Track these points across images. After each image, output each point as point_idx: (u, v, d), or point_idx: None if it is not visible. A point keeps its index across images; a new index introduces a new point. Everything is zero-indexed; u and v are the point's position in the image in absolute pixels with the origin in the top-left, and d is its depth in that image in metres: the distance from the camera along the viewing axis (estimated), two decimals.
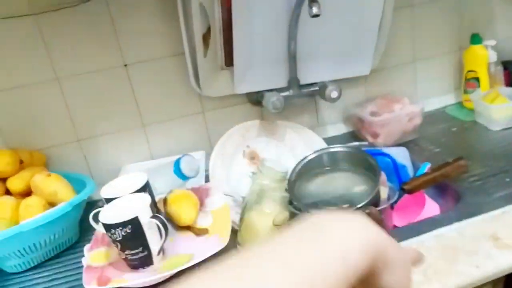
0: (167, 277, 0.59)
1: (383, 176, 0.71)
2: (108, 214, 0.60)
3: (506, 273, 0.56)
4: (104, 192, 0.66)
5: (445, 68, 1.09)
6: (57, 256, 0.75)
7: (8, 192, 0.77)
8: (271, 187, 0.70)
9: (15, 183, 0.75)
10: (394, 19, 0.93)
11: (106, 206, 0.63)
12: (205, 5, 0.80)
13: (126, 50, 0.87)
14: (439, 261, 0.57)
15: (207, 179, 0.84)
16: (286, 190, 0.72)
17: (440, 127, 1.00)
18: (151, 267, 0.62)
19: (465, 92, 1.05)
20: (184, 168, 0.79)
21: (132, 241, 0.59)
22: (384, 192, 0.71)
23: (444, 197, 0.79)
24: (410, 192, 0.73)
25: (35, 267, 0.73)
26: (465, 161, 0.76)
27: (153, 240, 0.61)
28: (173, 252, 0.64)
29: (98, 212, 0.65)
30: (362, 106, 0.98)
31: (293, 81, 0.91)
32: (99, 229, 0.68)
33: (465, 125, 0.99)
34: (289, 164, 0.78)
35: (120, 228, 0.58)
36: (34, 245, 0.70)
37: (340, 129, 1.04)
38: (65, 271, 0.72)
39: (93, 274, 0.61)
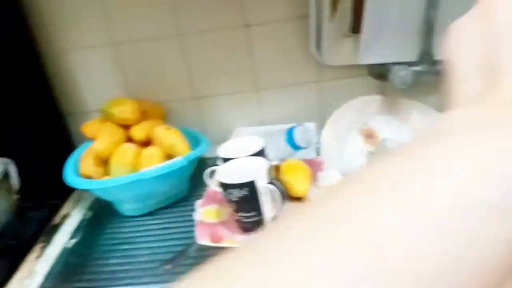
0: None
1: None
2: (226, 174, 0.60)
3: None
4: (222, 152, 0.66)
5: None
6: (168, 207, 0.78)
7: (129, 140, 0.81)
8: None
9: (137, 132, 0.79)
10: None
11: (223, 165, 0.63)
12: None
13: (250, 9, 0.85)
14: None
15: (317, 153, 0.80)
16: None
17: None
18: None
19: None
20: (298, 138, 0.75)
21: (247, 204, 0.58)
22: None
23: None
24: None
25: (148, 214, 0.77)
26: None
27: (267, 206, 0.59)
28: None
29: (213, 170, 0.65)
30: None
31: (426, 56, 0.81)
32: (212, 187, 0.68)
33: None
34: None
35: (238, 189, 0.57)
36: (151, 192, 0.74)
37: None
38: (175, 221, 0.74)
39: (206, 230, 0.62)
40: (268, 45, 0.88)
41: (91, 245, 0.71)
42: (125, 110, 0.78)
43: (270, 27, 0.86)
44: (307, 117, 0.91)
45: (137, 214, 0.76)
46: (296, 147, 0.76)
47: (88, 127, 0.83)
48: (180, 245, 0.67)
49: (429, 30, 0.79)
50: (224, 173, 0.59)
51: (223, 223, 0.64)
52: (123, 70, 0.91)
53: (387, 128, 0.81)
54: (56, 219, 0.78)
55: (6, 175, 0.74)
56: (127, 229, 0.74)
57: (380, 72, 0.86)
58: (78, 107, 0.94)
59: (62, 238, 0.73)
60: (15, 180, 0.74)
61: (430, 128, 0.17)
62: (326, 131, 0.82)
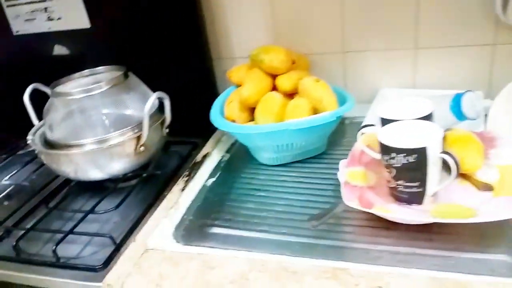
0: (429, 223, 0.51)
1: None
2: (388, 136, 0.54)
3: None
4: (383, 112, 0.60)
5: None
6: (304, 161, 0.76)
7: (273, 89, 0.79)
8: None
9: (284, 82, 0.76)
10: None
11: (385, 127, 0.57)
12: None
13: None
14: None
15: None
16: None
17: None
18: (419, 206, 0.55)
19: None
20: (466, 106, 0.65)
21: (411, 172, 0.52)
22: None
23: None
24: None
25: (284, 165, 0.76)
26: None
27: (433, 179, 0.52)
28: (447, 199, 0.55)
29: (367, 130, 0.60)
30: None
31: None
32: (360, 146, 0.63)
33: None
34: None
35: (404, 154, 0.51)
36: (292, 144, 0.72)
37: None
38: (310, 177, 0.72)
39: (354, 193, 0.58)
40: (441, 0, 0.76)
41: (228, 187, 0.73)
42: (276, 58, 0.76)
43: None
44: (471, 85, 0.79)
45: (273, 163, 0.76)
46: (461, 117, 0.66)
47: (234, 73, 0.83)
48: (315, 201, 0.65)
49: None
50: (387, 135, 0.54)
51: (371, 188, 0.60)
52: (274, 19, 0.88)
53: None
54: (198, 157, 0.82)
55: (161, 108, 0.78)
56: (263, 177, 0.74)
57: None
58: (225, 53, 0.94)
59: (203, 175, 0.76)
60: (168, 114, 0.78)
61: None
62: (497, 103, 0.70)
